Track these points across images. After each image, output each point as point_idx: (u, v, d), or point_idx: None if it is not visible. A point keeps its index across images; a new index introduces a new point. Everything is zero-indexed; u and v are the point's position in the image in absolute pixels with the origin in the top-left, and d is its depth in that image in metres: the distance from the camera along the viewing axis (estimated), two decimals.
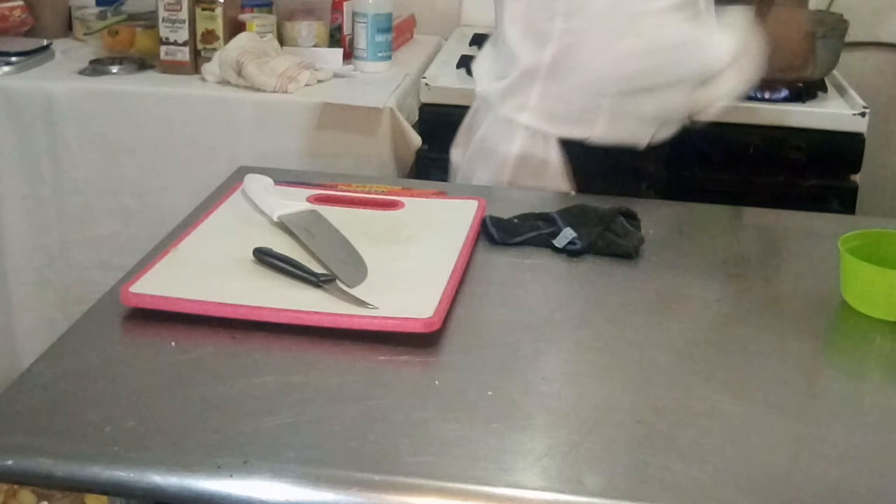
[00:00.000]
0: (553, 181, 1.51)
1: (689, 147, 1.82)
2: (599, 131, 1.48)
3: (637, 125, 1.50)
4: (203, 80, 2.18)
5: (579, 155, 1.51)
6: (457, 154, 1.66)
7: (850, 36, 2.11)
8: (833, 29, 2.08)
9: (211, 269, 1.12)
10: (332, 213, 1.27)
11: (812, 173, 1.96)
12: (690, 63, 1.46)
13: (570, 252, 1.24)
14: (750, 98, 1.97)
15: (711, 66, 1.45)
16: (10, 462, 0.84)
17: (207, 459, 0.83)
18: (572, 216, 1.27)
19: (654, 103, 1.49)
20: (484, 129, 1.58)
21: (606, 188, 1.46)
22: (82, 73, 2.21)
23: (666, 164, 1.60)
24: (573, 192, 1.47)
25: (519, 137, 1.53)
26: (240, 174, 1.41)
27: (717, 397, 0.96)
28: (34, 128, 2.12)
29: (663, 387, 0.98)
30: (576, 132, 1.50)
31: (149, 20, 2.31)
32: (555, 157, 1.51)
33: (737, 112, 1.96)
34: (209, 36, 2.22)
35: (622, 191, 1.44)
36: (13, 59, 2.21)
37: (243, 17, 2.28)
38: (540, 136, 1.51)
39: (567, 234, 1.24)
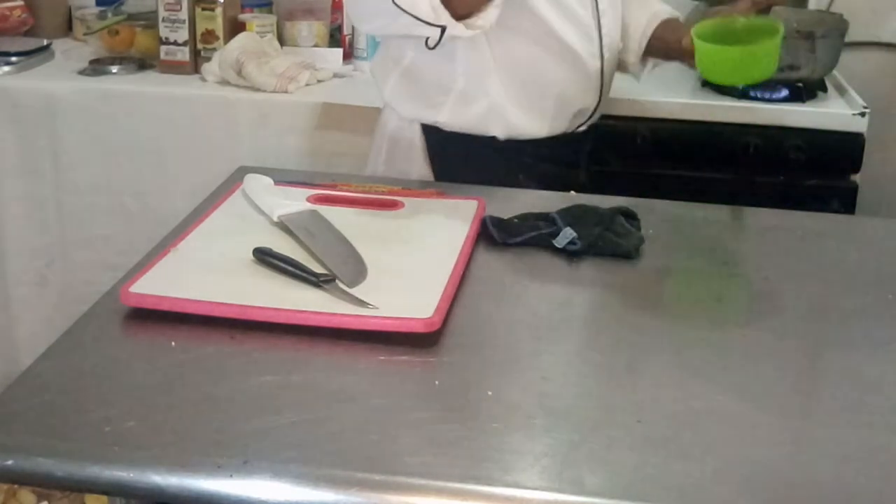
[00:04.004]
0: (418, 166, 1.56)
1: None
2: (445, 117, 1.52)
3: (481, 115, 1.52)
4: (203, 79, 2.18)
5: (439, 141, 1.55)
6: None
7: (850, 36, 2.11)
8: (833, 29, 2.07)
9: (211, 269, 1.12)
10: (332, 213, 1.27)
11: (812, 173, 1.96)
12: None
13: (570, 252, 1.24)
14: (750, 98, 1.97)
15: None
16: (10, 462, 0.84)
17: (207, 459, 0.83)
18: (572, 216, 1.27)
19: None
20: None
21: (465, 176, 1.47)
22: (82, 73, 2.21)
23: (554, 160, 1.58)
24: (573, 192, 1.47)
25: (392, 120, 1.59)
26: (240, 174, 1.41)
27: (717, 397, 0.96)
28: (34, 128, 2.12)
29: (663, 387, 0.98)
30: (426, 116, 1.54)
31: (149, 20, 2.31)
32: (419, 142, 1.56)
33: (736, 112, 1.96)
34: (209, 36, 2.22)
35: (483, 179, 1.45)
36: (13, 59, 2.21)
37: (243, 17, 2.28)
38: (406, 120, 1.57)
39: (567, 234, 1.24)
